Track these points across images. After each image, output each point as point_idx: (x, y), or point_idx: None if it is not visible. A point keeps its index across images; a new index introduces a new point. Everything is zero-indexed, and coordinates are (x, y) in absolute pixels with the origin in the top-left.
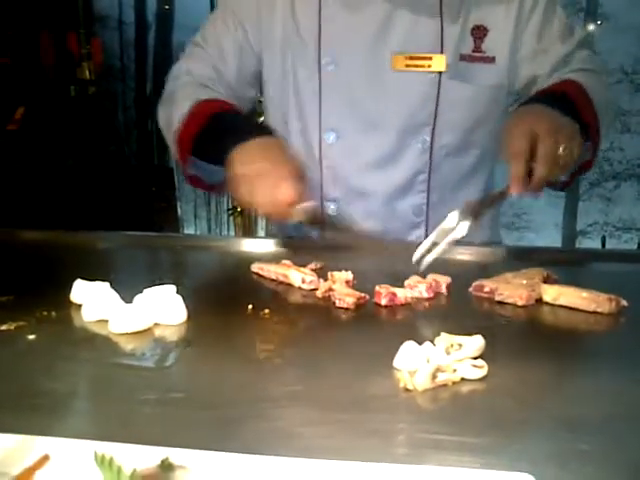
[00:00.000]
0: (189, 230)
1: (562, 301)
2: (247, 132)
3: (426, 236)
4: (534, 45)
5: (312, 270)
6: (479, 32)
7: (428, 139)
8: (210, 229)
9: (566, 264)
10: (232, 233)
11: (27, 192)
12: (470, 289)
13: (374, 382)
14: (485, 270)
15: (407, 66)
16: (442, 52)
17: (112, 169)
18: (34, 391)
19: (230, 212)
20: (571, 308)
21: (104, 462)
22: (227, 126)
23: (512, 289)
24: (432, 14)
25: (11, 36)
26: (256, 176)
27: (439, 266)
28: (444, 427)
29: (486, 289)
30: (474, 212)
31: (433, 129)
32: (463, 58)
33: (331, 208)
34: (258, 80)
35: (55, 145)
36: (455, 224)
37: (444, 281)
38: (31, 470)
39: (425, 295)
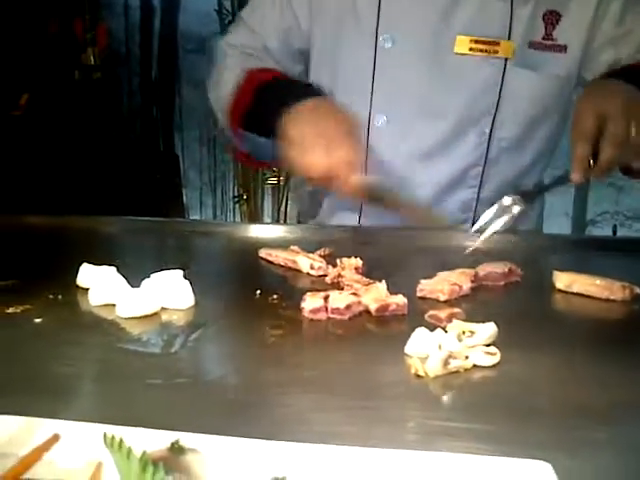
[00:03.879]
0: (194, 217)
1: (575, 288)
2: (297, 94)
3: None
4: (615, 29)
5: (321, 256)
6: (551, 17)
7: (487, 130)
8: (216, 216)
9: (578, 251)
10: (238, 220)
11: (31, 177)
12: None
13: (385, 368)
14: (496, 256)
15: (471, 50)
16: (510, 38)
17: (116, 155)
18: (41, 374)
19: (236, 200)
20: (584, 295)
21: (114, 444)
22: (277, 92)
23: (433, 284)
24: None
25: (18, 22)
26: (313, 136)
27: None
28: (456, 414)
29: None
30: (528, 196)
31: (493, 120)
32: (532, 45)
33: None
34: (305, 56)
35: (59, 131)
36: (509, 206)
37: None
38: (40, 450)
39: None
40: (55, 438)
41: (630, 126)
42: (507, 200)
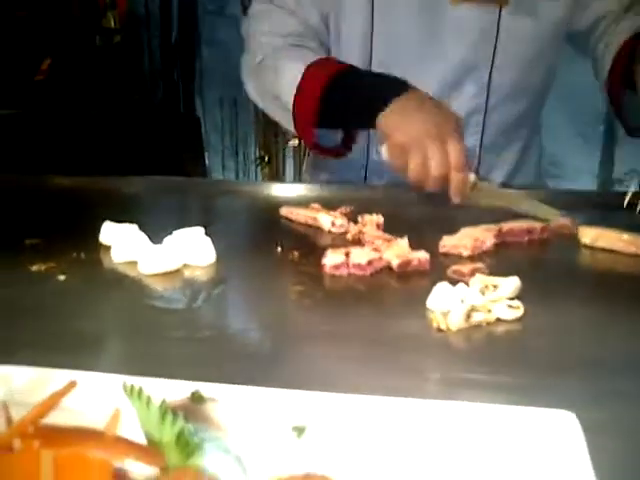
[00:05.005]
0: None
1: (601, 243)
2: (388, 88)
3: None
4: None
5: (342, 214)
6: None
7: (485, 78)
8: (238, 178)
9: (602, 208)
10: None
11: (55, 140)
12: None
13: (406, 322)
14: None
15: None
16: None
17: (138, 119)
18: (65, 330)
19: (258, 162)
20: (610, 250)
21: (133, 392)
22: (353, 88)
23: (456, 240)
24: None
25: None
26: (425, 137)
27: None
28: (478, 366)
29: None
30: None
31: (491, 67)
32: None
33: (377, 150)
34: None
35: (82, 95)
36: None
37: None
38: (57, 396)
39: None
40: (72, 385)
41: None
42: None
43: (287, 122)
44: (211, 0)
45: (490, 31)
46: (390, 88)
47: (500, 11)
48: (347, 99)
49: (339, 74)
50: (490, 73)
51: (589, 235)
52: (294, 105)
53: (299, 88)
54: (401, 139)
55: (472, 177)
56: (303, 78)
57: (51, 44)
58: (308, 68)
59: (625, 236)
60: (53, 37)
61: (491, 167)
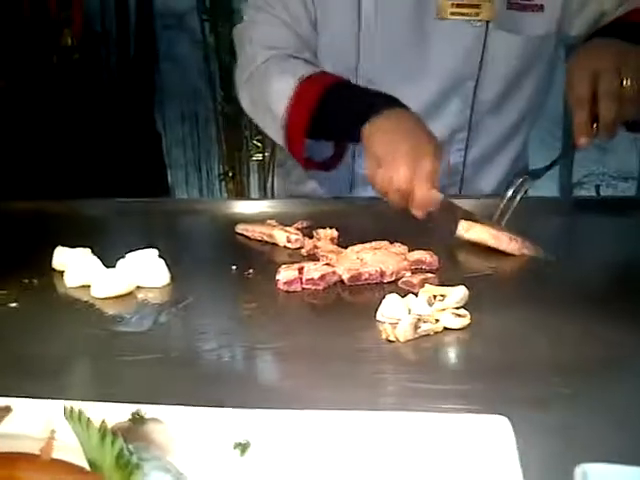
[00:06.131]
0: (181, 197)
1: (471, 235)
2: (378, 103)
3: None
4: None
5: (298, 229)
6: None
7: (470, 94)
8: (202, 195)
9: (564, 214)
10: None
11: (13, 162)
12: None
13: (358, 335)
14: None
15: (453, 14)
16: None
17: (98, 136)
18: (17, 356)
19: (221, 177)
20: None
21: (73, 415)
22: (346, 100)
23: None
24: None
25: None
26: (401, 153)
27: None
28: (426, 375)
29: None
30: (536, 175)
31: (476, 83)
32: (511, 6)
33: (360, 164)
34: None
35: (39, 114)
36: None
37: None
38: None
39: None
40: (6, 410)
41: (623, 79)
42: (516, 182)
43: (275, 133)
44: (167, 15)
45: (476, 46)
46: (379, 103)
47: (487, 26)
48: (339, 111)
49: (334, 86)
50: (475, 88)
51: (464, 226)
52: (287, 115)
53: (293, 98)
54: (376, 152)
55: (439, 196)
56: (298, 89)
57: (5, 65)
58: (304, 79)
59: (492, 230)
60: (7, 58)
61: (477, 181)
